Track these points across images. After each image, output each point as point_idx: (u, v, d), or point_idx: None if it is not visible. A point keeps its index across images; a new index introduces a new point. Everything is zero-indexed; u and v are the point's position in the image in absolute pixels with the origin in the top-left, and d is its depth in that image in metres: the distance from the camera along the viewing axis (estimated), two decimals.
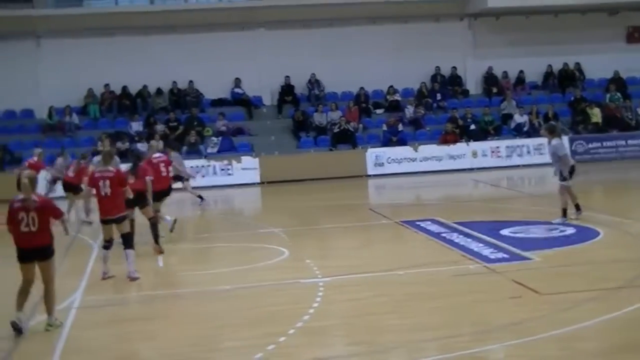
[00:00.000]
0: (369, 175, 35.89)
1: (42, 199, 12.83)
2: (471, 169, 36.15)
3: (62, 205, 26.12)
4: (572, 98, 39.97)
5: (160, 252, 18.91)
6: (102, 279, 16.34)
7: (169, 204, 22.81)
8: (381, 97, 40.59)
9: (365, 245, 20.03)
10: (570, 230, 19.18)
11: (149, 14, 38.50)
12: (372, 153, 36.30)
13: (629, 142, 37.71)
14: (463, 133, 37.54)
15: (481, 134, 37.71)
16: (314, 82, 40.18)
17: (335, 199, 29.09)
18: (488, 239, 18.35)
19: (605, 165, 35.25)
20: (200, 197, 27.46)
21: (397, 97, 40.18)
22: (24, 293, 12.70)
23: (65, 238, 22.12)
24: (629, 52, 42.03)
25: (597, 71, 41.85)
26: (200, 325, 12.74)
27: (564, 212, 20.10)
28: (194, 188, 28.24)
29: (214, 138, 37.03)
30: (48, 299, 12.80)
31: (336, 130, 37.29)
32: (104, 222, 16.41)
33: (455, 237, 19.03)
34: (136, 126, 37.20)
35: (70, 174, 25.83)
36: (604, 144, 37.59)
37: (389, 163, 36.21)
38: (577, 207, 20.40)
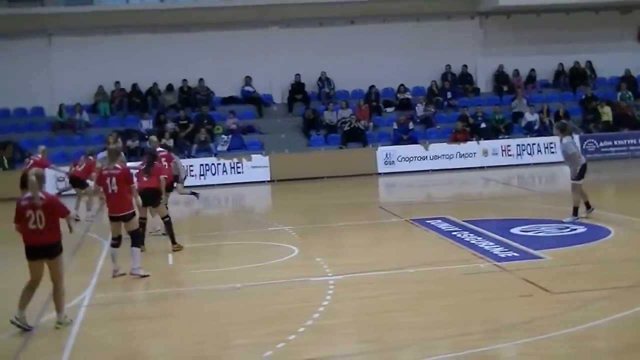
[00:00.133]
0: (379, 174, 35.84)
1: (48, 197, 12.79)
2: (482, 168, 36.08)
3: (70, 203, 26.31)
4: (583, 96, 39.90)
5: (179, 248, 19.02)
6: (112, 277, 16.35)
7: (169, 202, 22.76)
8: (392, 95, 40.56)
9: (375, 244, 20.01)
10: (581, 229, 19.13)
11: (160, 12, 38.52)
12: (383, 151, 36.24)
13: None
14: (474, 131, 37.48)
15: (492, 133, 37.63)
16: (324, 80, 40.15)
17: (345, 197, 29.06)
18: (498, 237, 18.31)
19: (616, 164, 35.16)
20: (194, 194, 27.14)
21: (408, 95, 40.13)
22: (29, 291, 12.68)
23: (75, 236, 22.22)
24: None
25: (608, 70, 41.75)
26: (210, 323, 12.73)
27: (575, 211, 20.04)
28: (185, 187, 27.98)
29: (224, 136, 37.04)
30: (57, 297, 12.80)
31: (346, 128, 37.24)
32: (112, 219, 16.47)
33: (465, 235, 18.99)
34: (146, 124, 37.20)
35: (79, 169, 26.07)
36: (615, 142, 37.49)
37: (400, 161, 36.15)
38: (588, 205, 20.35)
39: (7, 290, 12.91)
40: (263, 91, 40.06)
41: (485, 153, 36.62)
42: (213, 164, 35.21)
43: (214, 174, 35.00)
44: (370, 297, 13.75)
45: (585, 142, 36.33)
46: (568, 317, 11.88)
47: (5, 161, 34.74)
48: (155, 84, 39.08)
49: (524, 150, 36.86)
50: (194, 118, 37.69)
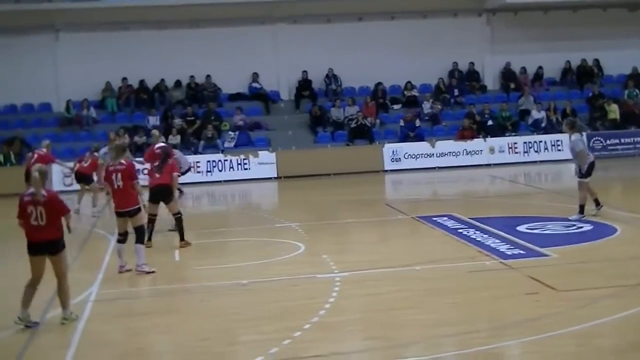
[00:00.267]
0: (386, 171, 35.83)
1: (50, 193, 12.77)
2: (488, 165, 36.04)
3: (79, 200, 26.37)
4: (590, 94, 39.86)
5: (187, 245, 19.07)
6: (118, 273, 16.38)
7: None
8: (399, 93, 40.55)
9: (381, 241, 20.01)
10: (587, 227, 19.11)
11: (167, 8, 38.47)
12: (389, 148, 36.24)
13: None
14: (480, 129, 37.45)
15: (498, 130, 37.61)
16: (331, 77, 40.14)
17: (351, 194, 29.08)
18: (505, 235, 18.30)
19: (623, 162, 35.11)
20: (179, 190, 27.01)
21: (415, 92, 40.13)
22: (30, 288, 12.67)
23: (82, 231, 22.28)
24: None
25: (616, 67, 41.67)
26: (216, 320, 12.74)
27: (582, 209, 20.02)
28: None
29: (231, 133, 37.06)
30: (61, 294, 12.81)
31: (353, 125, 37.25)
32: (118, 214, 16.55)
33: (471, 233, 18.98)
34: (153, 120, 37.23)
35: (84, 164, 26.18)
36: (622, 140, 37.45)
37: (406, 158, 36.14)
38: (597, 203, 20.34)
39: (11, 287, 12.92)
40: (270, 88, 40.09)
41: (491, 150, 36.59)
42: (220, 160, 35.21)
43: (220, 171, 35.04)
44: (376, 294, 13.75)
45: (592, 140, 36.28)
46: (574, 315, 11.87)
47: (12, 156, 34.79)
48: (162, 80, 39.11)
49: (530, 147, 36.82)
50: (201, 114, 37.72)
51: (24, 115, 38.41)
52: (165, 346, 11.89)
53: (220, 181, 34.45)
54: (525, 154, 36.75)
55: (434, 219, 21.29)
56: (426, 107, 38.97)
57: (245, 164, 35.30)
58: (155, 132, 23.92)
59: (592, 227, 19.11)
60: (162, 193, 18.91)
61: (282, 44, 39.93)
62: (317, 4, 39.25)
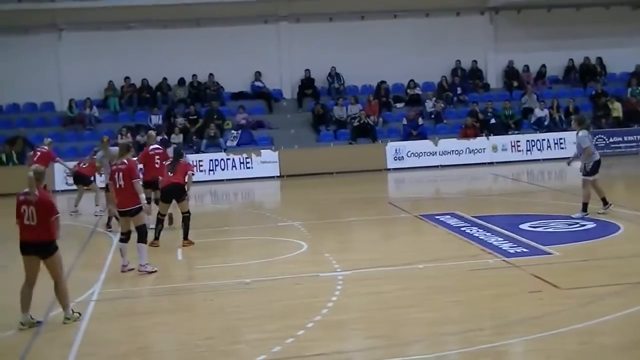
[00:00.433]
0: (389, 169, 35.80)
1: (42, 194, 12.67)
2: (491, 163, 36.01)
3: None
4: (593, 92, 39.79)
5: (190, 244, 19.09)
6: (121, 272, 16.38)
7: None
8: (401, 91, 40.51)
9: (384, 239, 20.02)
10: (590, 225, 19.12)
11: (170, 7, 38.45)
12: (392, 147, 36.20)
13: None
14: (483, 127, 37.42)
15: (501, 128, 37.57)
16: (334, 76, 40.12)
17: (354, 193, 29.07)
18: (507, 233, 18.30)
19: (626, 160, 35.06)
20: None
21: (418, 90, 40.09)
22: (26, 289, 12.64)
23: (84, 231, 22.32)
24: None
25: (619, 65, 41.61)
26: (219, 318, 12.75)
27: (585, 207, 20.00)
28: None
29: (233, 131, 37.04)
30: (59, 295, 12.79)
31: (356, 124, 37.23)
32: (120, 214, 16.64)
33: (474, 231, 18.99)
34: (156, 119, 37.23)
35: (83, 166, 26.16)
36: (625, 138, 37.40)
37: (409, 157, 36.11)
38: (604, 202, 20.33)
39: (12, 286, 12.91)
40: (273, 86, 40.06)
41: (494, 149, 36.56)
42: (222, 159, 35.20)
43: (223, 169, 35.03)
44: (379, 293, 13.76)
45: (595, 138, 36.00)
46: (577, 313, 11.87)
47: (15, 156, 34.79)
48: (165, 79, 39.09)
49: (533, 146, 36.79)
50: (204, 113, 37.69)
51: (26, 115, 38.40)
52: (168, 345, 11.89)
53: (222, 180, 34.43)
54: (528, 152, 36.71)
55: (437, 217, 21.29)
56: (429, 105, 38.94)
57: (248, 162, 35.28)
58: (151, 132, 23.93)
59: (595, 225, 19.12)
60: (176, 192, 19.07)
61: (285, 42, 39.92)
62: (320, 2, 39.22)
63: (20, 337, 12.15)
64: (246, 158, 35.28)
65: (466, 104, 39.57)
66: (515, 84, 40.92)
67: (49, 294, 12.96)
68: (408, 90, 40.08)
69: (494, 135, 36.93)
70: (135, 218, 16.29)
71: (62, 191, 32.61)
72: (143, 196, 16.55)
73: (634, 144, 37.30)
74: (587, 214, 19.88)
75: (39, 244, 12.53)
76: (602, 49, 41.33)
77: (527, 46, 40.91)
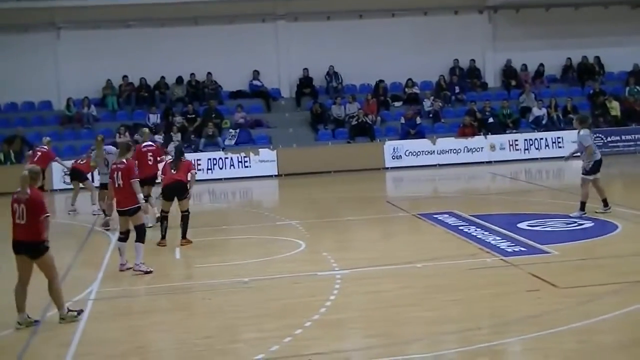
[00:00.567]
0: (387, 168, 35.80)
1: (34, 193, 12.58)
2: (489, 162, 36.02)
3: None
4: (591, 91, 39.82)
5: (188, 243, 19.10)
6: (119, 271, 16.37)
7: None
8: (400, 90, 40.51)
9: (382, 238, 20.01)
10: (588, 224, 19.13)
11: (169, 5, 38.42)
12: (390, 146, 36.21)
13: None
14: (481, 126, 37.43)
15: (499, 127, 37.59)
16: (332, 75, 40.12)
17: (352, 192, 29.07)
18: (506, 232, 18.30)
19: (624, 159, 35.06)
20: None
21: (416, 89, 40.10)
22: (20, 289, 12.61)
23: (83, 230, 22.30)
24: None
25: (617, 64, 41.64)
26: (217, 317, 12.74)
27: (583, 206, 20.00)
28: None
29: (232, 130, 37.03)
30: (53, 295, 12.74)
31: (354, 122, 37.23)
32: (119, 213, 16.62)
33: (472, 230, 18.99)
34: (154, 118, 37.22)
35: (81, 162, 26.16)
36: (623, 137, 37.42)
37: (407, 156, 36.12)
38: (605, 203, 20.31)
39: (11, 286, 12.89)
40: (271, 85, 40.06)
41: (492, 148, 36.56)
42: (221, 158, 35.21)
43: (221, 168, 35.03)
44: (377, 292, 13.76)
45: (594, 137, 36.16)
46: (575, 312, 11.87)
47: (12, 155, 34.78)
48: (163, 78, 39.08)
49: (531, 145, 36.79)
50: (202, 112, 37.68)
51: (24, 113, 38.39)
52: (166, 344, 11.88)
53: (221, 179, 34.44)
54: (526, 151, 36.71)
55: (435, 216, 21.29)
56: (427, 104, 38.94)
57: (246, 161, 35.28)
58: (145, 130, 23.85)
59: (593, 224, 19.12)
60: (178, 189, 19.06)
61: (283, 41, 39.91)
62: (318, 1, 39.21)
63: (18, 337, 12.15)
64: (244, 157, 35.28)
65: (464, 102, 39.58)
66: (514, 82, 40.94)
67: (46, 294, 12.95)
68: (406, 89, 40.08)
69: (492, 134, 36.93)
70: (134, 217, 16.27)
71: (61, 190, 32.59)
72: (141, 195, 16.53)
73: (632, 143, 37.33)
74: (585, 213, 19.89)
75: (27, 244, 12.46)
76: (601, 48, 41.36)
77: (525, 45, 40.92)
